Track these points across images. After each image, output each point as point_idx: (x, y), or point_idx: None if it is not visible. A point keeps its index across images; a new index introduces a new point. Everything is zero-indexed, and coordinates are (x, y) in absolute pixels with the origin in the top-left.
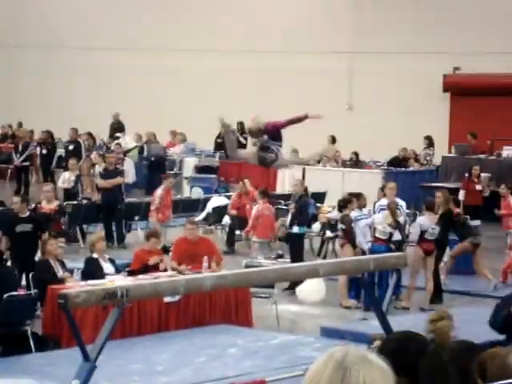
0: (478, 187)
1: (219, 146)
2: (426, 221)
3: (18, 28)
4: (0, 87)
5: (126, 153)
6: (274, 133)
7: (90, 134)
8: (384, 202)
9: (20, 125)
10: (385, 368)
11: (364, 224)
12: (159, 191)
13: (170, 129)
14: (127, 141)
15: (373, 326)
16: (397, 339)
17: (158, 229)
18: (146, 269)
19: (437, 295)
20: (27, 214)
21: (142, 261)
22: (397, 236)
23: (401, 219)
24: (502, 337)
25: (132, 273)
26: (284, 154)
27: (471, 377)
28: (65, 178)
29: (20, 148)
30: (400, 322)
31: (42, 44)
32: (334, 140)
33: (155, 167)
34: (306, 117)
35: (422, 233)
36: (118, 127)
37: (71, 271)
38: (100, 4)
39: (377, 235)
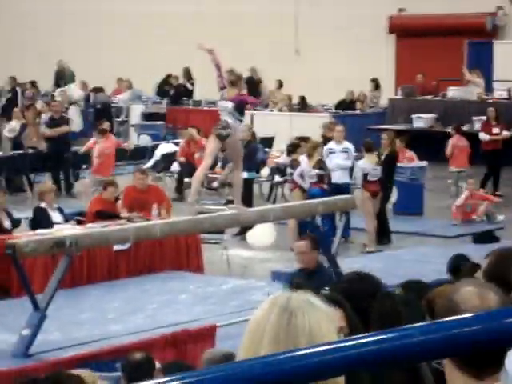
0: (496, 130)
1: (163, 92)
2: (366, 162)
3: None
4: None
5: (71, 103)
6: (240, 102)
7: (32, 83)
8: (331, 145)
9: None
10: (328, 310)
11: (296, 174)
12: (100, 142)
13: (116, 76)
14: (72, 88)
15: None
16: (348, 280)
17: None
18: (103, 215)
19: (385, 236)
20: None
21: (98, 208)
22: (341, 178)
23: (348, 162)
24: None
25: (83, 222)
26: (237, 136)
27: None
28: (10, 127)
29: None
30: (349, 264)
31: None
32: (280, 85)
33: (101, 115)
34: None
35: (365, 175)
36: (62, 75)
37: (19, 221)
38: None
39: (309, 180)
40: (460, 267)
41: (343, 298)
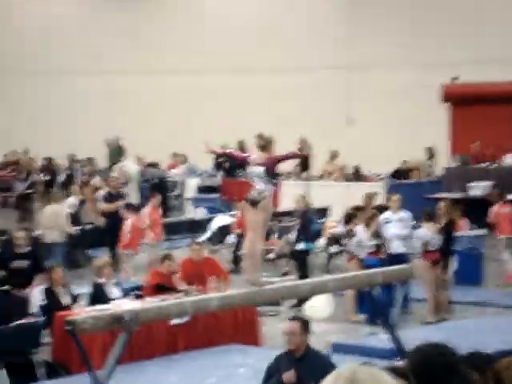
0: None
1: (219, 165)
2: (426, 231)
3: (17, 55)
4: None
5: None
6: (271, 166)
7: (89, 159)
8: (388, 214)
9: (26, 152)
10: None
11: (353, 244)
12: (146, 210)
13: (170, 151)
14: (128, 164)
15: (383, 339)
16: (423, 353)
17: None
18: (162, 288)
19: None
20: (26, 249)
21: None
22: (398, 248)
23: (406, 231)
24: None
25: (141, 296)
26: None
27: None
28: (69, 203)
29: (23, 175)
30: (409, 335)
31: (40, 71)
32: (334, 155)
33: (158, 190)
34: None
35: (425, 244)
36: (118, 151)
37: (77, 297)
38: (94, 25)
39: (366, 250)
40: None
41: (412, 372)
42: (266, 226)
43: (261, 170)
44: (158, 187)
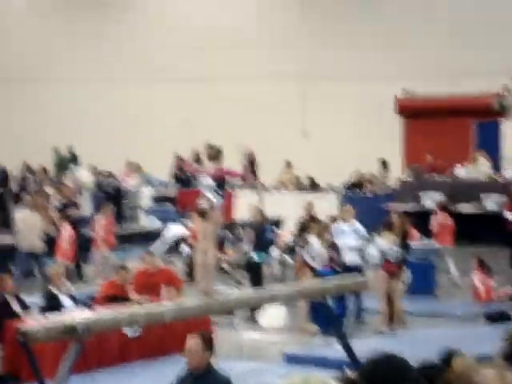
0: None
1: (176, 176)
2: (383, 241)
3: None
4: None
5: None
6: (220, 178)
7: (42, 169)
8: (342, 225)
9: None
10: None
11: (306, 255)
12: (100, 221)
13: (124, 159)
14: (82, 173)
15: (336, 350)
16: (374, 362)
17: (109, 256)
18: (116, 299)
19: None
20: None
21: (110, 292)
22: (352, 259)
23: (358, 243)
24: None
25: (93, 306)
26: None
27: None
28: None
29: None
30: (362, 345)
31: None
32: (289, 165)
33: (113, 199)
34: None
35: (382, 254)
36: (71, 159)
37: (29, 306)
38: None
39: (320, 261)
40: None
41: (363, 382)
42: (215, 237)
43: (210, 181)
44: (113, 197)
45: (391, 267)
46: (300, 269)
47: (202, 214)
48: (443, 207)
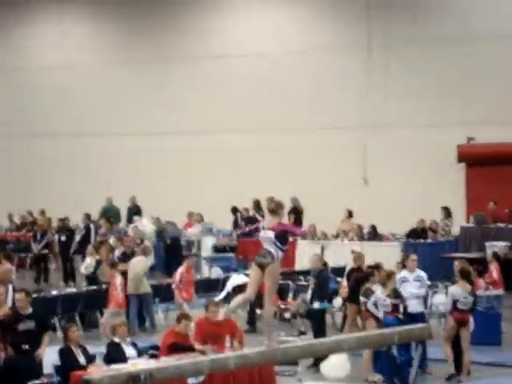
0: None
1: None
2: (458, 289)
3: (35, 118)
4: (17, 176)
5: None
6: (281, 233)
7: (107, 219)
8: (405, 273)
9: (42, 212)
10: None
11: (370, 303)
12: (180, 270)
13: (186, 210)
14: (144, 223)
15: None
16: None
17: (185, 307)
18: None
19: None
20: (30, 310)
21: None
22: (416, 307)
23: (422, 291)
24: None
25: (156, 356)
26: (279, 263)
27: None
28: (86, 264)
29: (38, 236)
30: None
31: (62, 133)
32: (350, 214)
33: (172, 249)
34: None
35: (454, 302)
36: (135, 211)
37: (93, 357)
38: (108, 89)
39: (383, 309)
40: None
41: None
42: (275, 289)
43: (271, 234)
44: (172, 247)
45: (462, 316)
46: (365, 318)
47: (261, 266)
48: (496, 257)
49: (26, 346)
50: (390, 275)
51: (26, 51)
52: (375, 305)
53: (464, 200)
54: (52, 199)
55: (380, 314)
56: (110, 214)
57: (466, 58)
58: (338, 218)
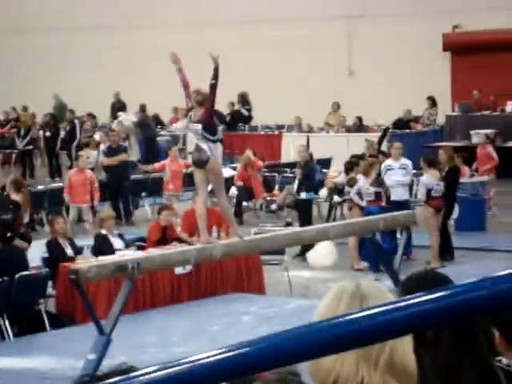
0: None
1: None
2: (430, 178)
3: (15, 13)
4: (1, 72)
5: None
6: (208, 121)
7: (90, 115)
8: (389, 162)
9: (25, 109)
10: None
11: (353, 191)
12: (164, 162)
13: (172, 104)
14: (129, 118)
15: (386, 285)
16: (417, 278)
17: (172, 201)
18: (163, 241)
19: (448, 252)
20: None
21: (157, 234)
22: (401, 195)
23: (406, 178)
24: None
25: (144, 247)
26: (218, 156)
27: None
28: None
29: (22, 132)
30: None
31: (40, 28)
32: (338, 106)
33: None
34: (215, 69)
35: (429, 191)
36: (119, 106)
37: (81, 248)
38: None
39: (366, 198)
40: None
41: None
42: (222, 184)
43: (199, 127)
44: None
45: (437, 203)
46: (350, 207)
47: (198, 164)
48: (491, 140)
49: (9, 234)
50: (372, 164)
51: None
52: (358, 194)
53: (449, 89)
54: (34, 96)
55: (363, 203)
56: (61, 111)
57: None
58: (324, 111)
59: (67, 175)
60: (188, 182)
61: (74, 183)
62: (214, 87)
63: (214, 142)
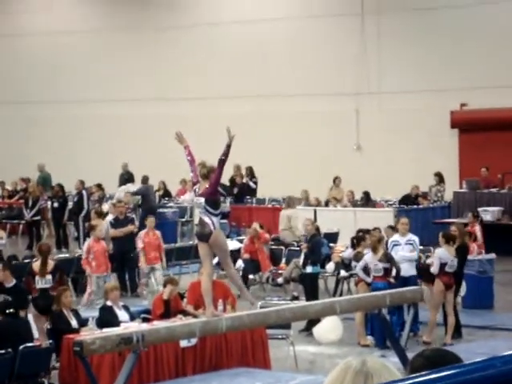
0: None
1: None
2: (446, 253)
3: (23, 84)
4: (9, 140)
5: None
6: (211, 195)
7: (99, 186)
8: (396, 237)
9: (28, 180)
10: (400, 375)
11: (360, 266)
12: (140, 235)
13: (180, 177)
14: (131, 189)
15: (392, 362)
16: (427, 356)
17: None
18: (166, 314)
19: (455, 330)
20: (12, 283)
21: (161, 307)
22: (407, 271)
23: (413, 254)
24: None
25: (149, 319)
26: (218, 231)
27: None
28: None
29: (30, 203)
30: None
31: (49, 100)
32: (339, 181)
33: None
34: (228, 146)
35: (442, 265)
36: (127, 177)
37: (86, 320)
38: (106, 57)
39: (373, 274)
40: None
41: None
42: (227, 255)
43: (202, 201)
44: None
45: (449, 279)
46: (357, 282)
47: (201, 238)
48: (478, 219)
49: (11, 310)
50: (380, 239)
51: (14, 17)
52: (364, 269)
53: (457, 165)
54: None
55: (368, 279)
56: (45, 181)
57: (458, 23)
58: (331, 184)
59: (86, 245)
60: (193, 255)
61: (96, 253)
62: (222, 163)
63: (216, 215)
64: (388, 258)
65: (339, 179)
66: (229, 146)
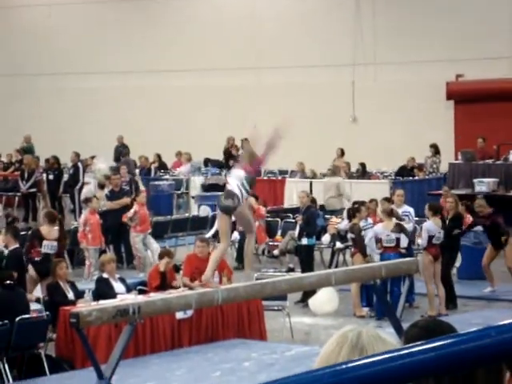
0: None
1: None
2: (433, 225)
3: (18, 57)
4: (6, 113)
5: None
6: (251, 173)
7: (94, 158)
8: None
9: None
10: (396, 344)
11: (370, 237)
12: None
13: (175, 149)
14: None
15: (388, 333)
16: (421, 326)
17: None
18: (162, 286)
19: (451, 301)
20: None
21: (157, 280)
22: (405, 241)
23: (409, 226)
24: None
25: (145, 291)
26: (245, 205)
27: None
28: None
29: (26, 175)
30: None
31: (43, 72)
32: (342, 153)
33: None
34: (277, 137)
35: (430, 238)
36: (122, 150)
37: (82, 292)
38: (99, 29)
39: (384, 245)
40: None
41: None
42: (251, 230)
43: (242, 174)
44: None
45: (436, 251)
46: (353, 253)
47: (227, 211)
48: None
49: (8, 281)
50: (392, 210)
51: None
52: (376, 240)
53: (452, 137)
54: (40, 138)
55: (377, 251)
56: (26, 153)
57: None
58: (327, 157)
59: (83, 217)
60: (189, 227)
61: (92, 226)
62: (271, 148)
63: (247, 192)
64: (401, 228)
65: (341, 150)
66: (278, 139)
